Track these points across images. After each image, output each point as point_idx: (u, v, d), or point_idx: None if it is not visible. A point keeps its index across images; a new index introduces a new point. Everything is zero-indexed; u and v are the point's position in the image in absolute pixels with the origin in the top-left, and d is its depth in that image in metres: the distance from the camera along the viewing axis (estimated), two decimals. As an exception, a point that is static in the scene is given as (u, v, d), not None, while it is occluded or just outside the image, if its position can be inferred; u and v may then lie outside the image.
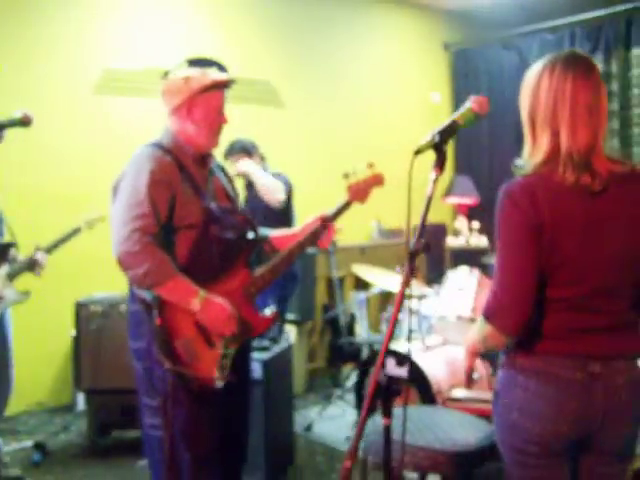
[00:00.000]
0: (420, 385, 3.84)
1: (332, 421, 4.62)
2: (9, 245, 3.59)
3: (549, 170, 1.82)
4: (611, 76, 6.08)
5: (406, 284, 1.69)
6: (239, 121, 5.55)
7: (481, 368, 4.06)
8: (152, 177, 2.42)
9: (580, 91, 1.83)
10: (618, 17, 5.92)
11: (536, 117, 1.88)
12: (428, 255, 6.41)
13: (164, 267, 2.36)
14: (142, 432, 2.59)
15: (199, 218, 2.49)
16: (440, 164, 1.74)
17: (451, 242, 6.55)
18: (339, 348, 5.27)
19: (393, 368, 4.10)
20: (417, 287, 4.51)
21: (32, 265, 3.65)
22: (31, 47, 4.81)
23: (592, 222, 1.82)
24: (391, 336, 1.68)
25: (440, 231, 6.84)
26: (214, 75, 2.62)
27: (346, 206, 2.87)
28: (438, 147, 1.74)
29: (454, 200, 6.65)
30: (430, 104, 7.03)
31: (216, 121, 2.63)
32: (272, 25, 5.92)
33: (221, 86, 2.63)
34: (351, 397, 4.82)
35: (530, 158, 1.90)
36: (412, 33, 6.93)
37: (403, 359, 3.87)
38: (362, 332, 5.09)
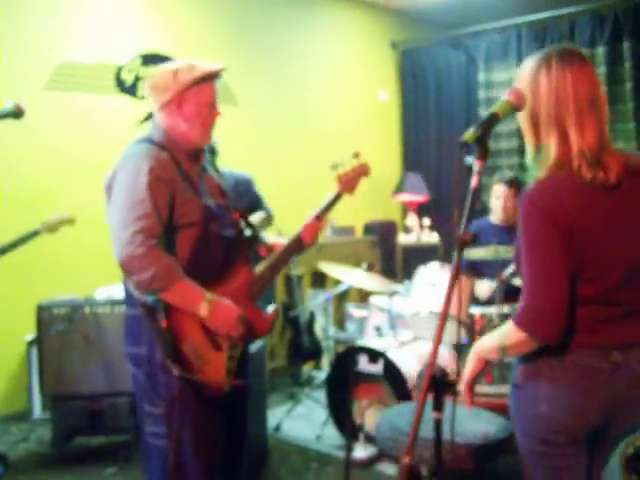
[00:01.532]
0: (394, 381, 3.87)
1: (300, 420, 4.59)
2: None
3: (564, 171, 1.83)
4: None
5: (455, 277, 1.67)
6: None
7: (452, 363, 4.11)
8: (151, 175, 2.31)
9: (580, 84, 1.85)
10: (563, 19, 6.09)
11: (539, 118, 1.88)
12: (379, 252, 6.45)
13: (170, 271, 2.27)
14: (142, 441, 2.49)
15: (199, 216, 2.41)
16: (482, 156, 1.73)
17: (402, 239, 6.61)
18: (300, 346, 5.25)
19: (366, 365, 4.12)
20: (386, 283, 4.54)
21: None
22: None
23: (612, 217, 1.85)
24: (440, 338, 1.64)
25: (391, 228, 6.89)
26: (204, 66, 2.51)
27: (337, 198, 2.82)
28: (480, 139, 1.73)
29: (405, 197, 6.71)
30: (378, 102, 7.07)
31: (209, 115, 2.53)
32: (225, 22, 5.85)
33: (212, 78, 2.54)
34: (317, 395, 4.82)
35: (537, 161, 1.90)
36: (359, 31, 6.96)
37: (376, 355, 3.91)
38: (328, 330, 5.07)
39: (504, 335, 1.90)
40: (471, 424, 2.46)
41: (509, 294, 4.02)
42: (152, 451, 2.42)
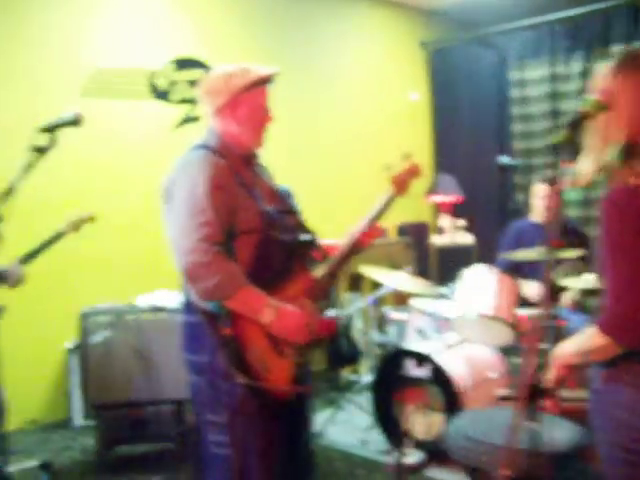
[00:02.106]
0: (442, 385, 3.81)
1: (343, 425, 4.54)
2: None
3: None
4: (591, 73, 6.16)
5: (547, 283, 1.61)
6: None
7: (499, 366, 4.06)
8: (211, 182, 2.29)
9: None
10: (597, 15, 6.00)
11: (627, 119, 1.84)
12: (413, 254, 6.39)
13: (235, 278, 2.24)
14: (204, 450, 2.45)
15: (258, 222, 2.38)
16: (572, 157, 1.68)
17: (436, 240, 6.54)
18: (338, 351, 5.19)
19: (412, 368, 4.06)
20: (429, 286, 4.48)
21: (1, 278, 3.33)
22: (15, 50, 4.59)
23: None
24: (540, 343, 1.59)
25: (423, 230, 6.82)
26: (257, 71, 2.48)
27: (391, 200, 2.79)
28: (571, 140, 1.68)
29: (438, 198, 6.64)
30: (408, 103, 7.01)
31: (262, 119, 2.51)
32: (257, 25, 5.81)
33: (265, 82, 2.51)
34: (359, 400, 4.77)
35: (619, 163, 1.85)
36: (389, 32, 6.90)
37: (423, 359, 3.85)
38: (370, 333, 5.02)
39: (586, 340, 1.84)
40: (550, 431, 2.39)
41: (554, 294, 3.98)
42: (214, 460, 2.39)
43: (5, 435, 3.28)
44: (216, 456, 2.37)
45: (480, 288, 3.90)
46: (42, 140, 2.16)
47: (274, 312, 2.30)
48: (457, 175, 6.67)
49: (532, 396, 1.56)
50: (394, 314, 4.83)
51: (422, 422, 3.92)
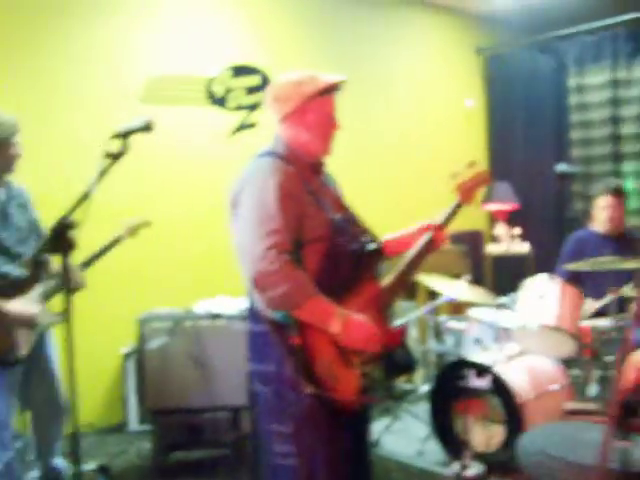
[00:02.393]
0: (503, 396, 3.73)
1: (399, 435, 4.47)
2: (44, 261, 3.29)
3: None
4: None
5: None
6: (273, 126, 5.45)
7: (561, 378, 3.95)
8: (280, 190, 2.27)
9: None
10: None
11: None
12: (468, 262, 6.30)
13: (304, 287, 2.22)
14: (269, 461, 2.42)
15: (325, 230, 2.35)
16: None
17: (492, 249, 6.44)
18: (393, 360, 5.12)
19: (473, 379, 3.98)
20: (489, 295, 4.40)
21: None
22: (71, 58, 4.65)
23: None
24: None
25: (477, 238, 6.73)
26: (325, 78, 2.46)
27: (457, 208, 2.76)
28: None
29: (493, 206, 6.54)
30: (463, 109, 6.93)
31: (329, 127, 2.50)
32: (313, 31, 5.80)
33: (334, 89, 2.49)
34: (415, 409, 4.70)
35: None
36: (445, 38, 6.83)
37: (484, 370, 3.77)
38: (428, 343, 4.95)
39: None
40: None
41: (622, 305, 3.87)
42: (280, 471, 2.36)
43: (76, 435, 3.30)
44: (282, 467, 2.35)
45: (542, 298, 3.82)
46: (115, 146, 2.16)
47: (343, 322, 2.27)
48: (513, 183, 6.57)
49: (623, 414, 1.49)
50: (451, 323, 4.76)
51: (481, 434, 3.84)
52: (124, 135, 2.18)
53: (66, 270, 2.10)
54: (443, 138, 6.69)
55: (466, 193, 2.77)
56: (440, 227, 2.68)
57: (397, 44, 6.39)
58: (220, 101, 5.17)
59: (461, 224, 6.57)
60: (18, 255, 3.18)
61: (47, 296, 3.25)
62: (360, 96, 6.04)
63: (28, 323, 3.13)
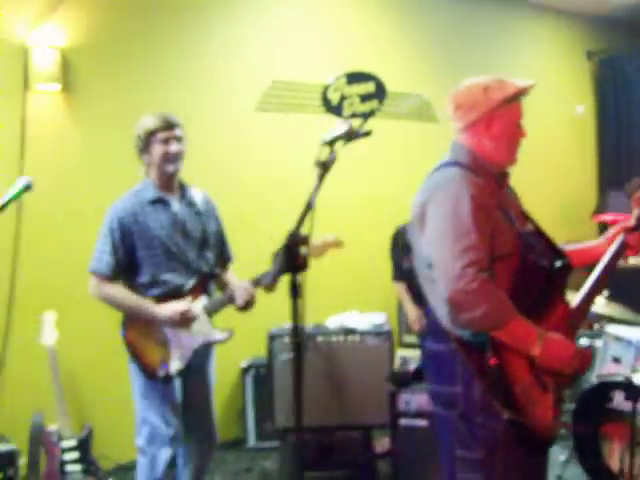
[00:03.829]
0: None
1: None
2: (211, 275, 3.17)
3: None
4: None
5: None
6: (390, 137, 5.34)
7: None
8: (473, 203, 2.10)
9: None
10: None
11: None
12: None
13: (505, 307, 2.06)
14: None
15: (515, 245, 2.18)
16: None
17: (631, 261, 6.15)
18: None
19: (621, 402, 3.73)
20: (630, 312, 4.16)
21: (233, 298, 3.09)
22: (194, 61, 4.62)
23: None
24: None
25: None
26: (514, 83, 2.29)
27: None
28: None
29: (608, 217, 6.26)
30: (573, 116, 6.67)
31: (516, 135, 2.33)
32: (426, 40, 5.65)
33: (522, 95, 2.32)
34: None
35: None
36: (554, 43, 6.59)
37: (634, 391, 3.54)
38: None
39: None
40: None
41: None
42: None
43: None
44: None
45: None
46: (323, 155, 2.04)
47: (542, 343, 2.10)
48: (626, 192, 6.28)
49: None
50: (584, 340, 4.52)
51: (628, 459, 3.60)
52: (330, 143, 2.05)
53: (295, 287, 1.94)
54: (552, 145, 6.44)
55: None
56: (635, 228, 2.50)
57: (504, 48, 6.20)
58: (336, 109, 5.04)
59: (570, 236, 6.35)
60: (187, 264, 3.06)
61: (212, 310, 3.09)
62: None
63: (182, 322, 2.97)
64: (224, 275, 3.28)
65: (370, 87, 5.17)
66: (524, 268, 2.19)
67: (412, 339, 4.68)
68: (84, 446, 3.73)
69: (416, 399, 3.53)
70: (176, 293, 3.01)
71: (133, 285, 3.01)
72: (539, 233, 2.38)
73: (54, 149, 4.19)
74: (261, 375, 4.42)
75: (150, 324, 2.98)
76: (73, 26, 4.24)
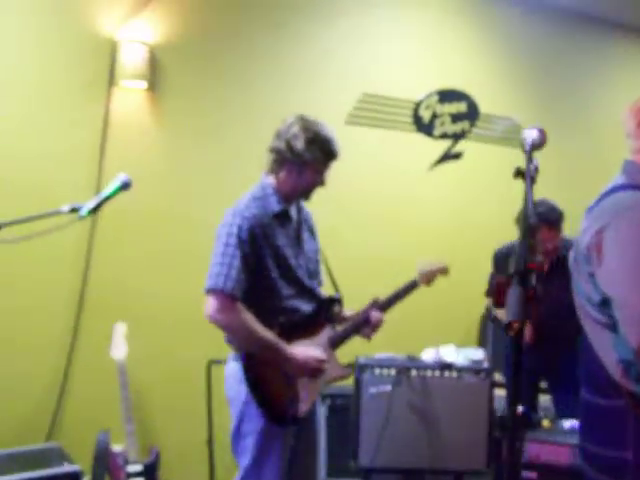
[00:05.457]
0: None
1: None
2: (333, 300, 2.76)
3: None
4: None
5: None
6: (481, 161, 5.00)
7: None
8: None
9: None
10: None
11: None
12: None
13: None
14: None
15: None
16: None
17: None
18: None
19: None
20: None
21: (361, 325, 2.79)
22: (286, 65, 4.40)
23: None
24: None
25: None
26: None
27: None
28: None
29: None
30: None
31: None
32: (516, 60, 5.32)
33: None
34: None
35: None
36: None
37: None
38: None
39: None
40: None
41: None
42: None
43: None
44: None
45: None
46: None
47: None
48: None
49: None
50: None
51: None
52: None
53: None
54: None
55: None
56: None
57: (599, 77, 5.84)
58: (426, 128, 4.74)
59: None
60: (307, 288, 2.65)
61: (336, 342, 2.74)
62: (573, 127, 5.50)
63: (314, 373, 2.58)
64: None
65: (462, 107, 4.87)
66: None
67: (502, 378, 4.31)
68: (150, 473, 3.44)
69: (526, 449, 3.18)
70: (303, 323, 2.61)
71: (253, 312, 2.49)
72: None
73: (136, 148, 3.95)
74: (337, 405, 4.08)
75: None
76: (163, 23, 4.02)
